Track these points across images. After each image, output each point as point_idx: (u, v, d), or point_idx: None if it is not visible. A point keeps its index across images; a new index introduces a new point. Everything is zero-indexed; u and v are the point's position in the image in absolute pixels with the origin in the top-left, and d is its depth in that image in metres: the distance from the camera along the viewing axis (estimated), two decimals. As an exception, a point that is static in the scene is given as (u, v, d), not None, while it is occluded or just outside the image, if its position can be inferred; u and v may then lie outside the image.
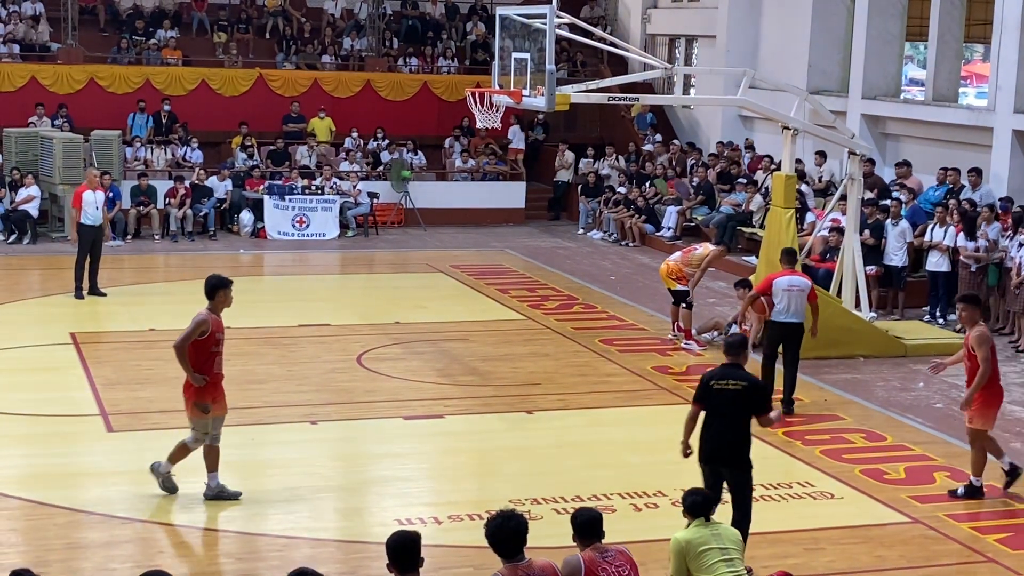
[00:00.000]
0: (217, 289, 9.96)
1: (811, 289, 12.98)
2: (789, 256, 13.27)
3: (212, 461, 10.04)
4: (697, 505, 7.56)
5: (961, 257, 16.96)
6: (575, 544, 6.90)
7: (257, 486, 10.63)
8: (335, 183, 23.53)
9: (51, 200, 22.15)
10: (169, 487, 10.11)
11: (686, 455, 8.96)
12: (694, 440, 8.91)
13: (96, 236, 17.39)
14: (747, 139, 24.90)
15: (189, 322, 9.88)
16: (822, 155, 21.78)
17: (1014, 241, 16.51)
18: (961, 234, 17.07)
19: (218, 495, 9.99)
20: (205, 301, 10.00)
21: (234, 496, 10.05)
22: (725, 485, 8.86)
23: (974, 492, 10.58)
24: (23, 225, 21.58)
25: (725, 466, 8.76)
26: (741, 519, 8.72)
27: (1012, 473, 10.74)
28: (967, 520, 10.16)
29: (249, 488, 10.52)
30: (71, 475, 10.74)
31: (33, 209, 21.67)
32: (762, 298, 13.15)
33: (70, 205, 18.38)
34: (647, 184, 24.13)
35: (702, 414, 8.91)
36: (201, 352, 9.87)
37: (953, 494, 10.61)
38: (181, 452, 10.06)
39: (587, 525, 6.87)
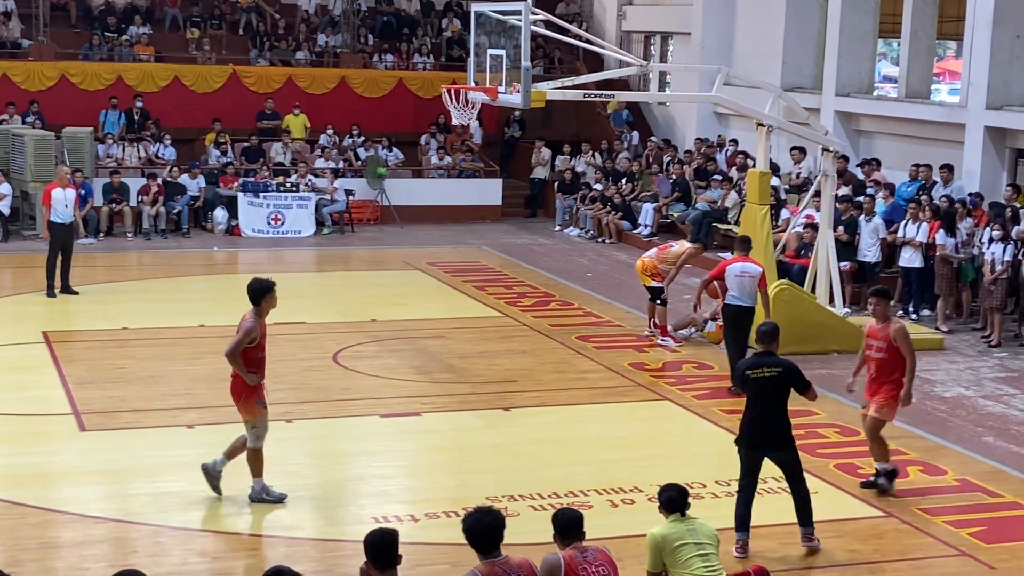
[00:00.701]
0: (262, 295, 9.89)
1: (762, 276, 13.44)
2: (744, 243, 13.79)
3: (234, 451, 10.05)
4: (673, 500, 7.58)
5: (938, 253, 17.00)
6: (554, 542, 6.90)
7: (232, 485, 10.57)
8: (310, 180, 23.45)
9: (23, 198, 21.98)
10: (277, 497, 10.03)
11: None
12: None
13: (67, 234, 17.26)
14: (720, 136, 24.96)
15: (238, 328, 9.79)
16: (801, 151, 21.77)
17: (986, 237, 16.61)
18: (941, 231, 17.09)
19: (214, 481, 10.06)
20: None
21: (277, 498, 10.06)
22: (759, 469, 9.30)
23: (892, 475, 10.62)
24: (-6, 223, 21.43)
25: (772, 451, 9.24)
26: (805, 495, 9.25)
27: (888, 478, 10.63)
28: (941, 514, 10.21)
29: (224, 487, 10.47)
30: (44, 474, 10.67)
31: (4, 207, 21.50)
32: (715, 283, 13.62)
33: (40, 203, 18.26)
34: (624, 181, 24.17)
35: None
36: (247, 356, 9.82)
37: (880, 488, 10.55)
38: (257, 458, 9.99)
39: (568, 524, 6.85)
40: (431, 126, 26.28)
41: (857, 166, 20.72)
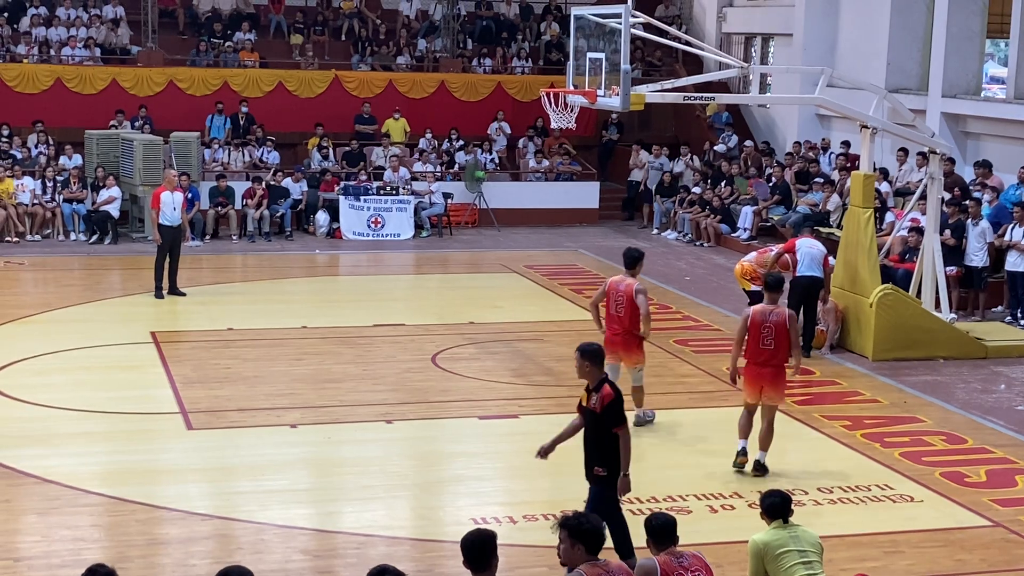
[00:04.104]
0: (639, 261, 11.94)
1: (825, 256, 15.02)
2: (810, 225, 16.86)
3: (639, 399, 12.02)
4: (776, 507, 7.47)
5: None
6: (648, 548, 6.86)
7: (333, 484, 10.74)
8: (409, 184, 23.66)
9: (132, 201, 22.54)
10: (652, 416, 12.24)
11: None
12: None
13: (175, 236, 17.63)
14: (824, 139, 24.60)
15: (640, 296, 11.61)
16: (905, 152, 21.30)
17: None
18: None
19: (641, 422, 11.96)
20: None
21: (651, 419, 12.18)
22: None
23: (762, 468, 10.89)
24: (104, 225, 21.97)
25: None
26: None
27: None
28: (1052, 526, 9.95)
29: (325, 486, 10.64)
30: (151, 472, 10.91)
31: (114, 210, 22.06)
32: (787, 256, 15.09)
33: (149, 206, 18.70)
34: (723, 184, 23.96)
35: None
36: (607, 311, 11.92)
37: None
38: (640, 392, 12.02)
39: (661, 529, 6.81)
40: (529, 129, 26.35)
41: (973, 166, 20.19)
